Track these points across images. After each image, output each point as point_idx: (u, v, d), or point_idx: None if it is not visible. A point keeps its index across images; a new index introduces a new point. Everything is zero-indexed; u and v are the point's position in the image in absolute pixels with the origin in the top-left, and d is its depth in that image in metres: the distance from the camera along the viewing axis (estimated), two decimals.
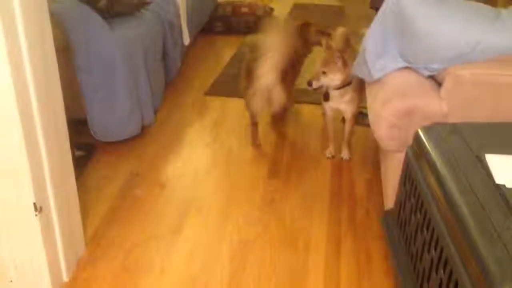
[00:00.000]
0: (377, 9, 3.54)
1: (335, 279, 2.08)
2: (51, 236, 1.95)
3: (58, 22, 2.53)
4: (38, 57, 1.75)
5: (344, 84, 2.70)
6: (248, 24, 4.74)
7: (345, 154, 2.90)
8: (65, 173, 2.03)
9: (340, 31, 2.83)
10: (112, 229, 2.35)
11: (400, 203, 1.83)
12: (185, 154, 2.96)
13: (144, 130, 3.04)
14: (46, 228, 1.91)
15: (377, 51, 2.14)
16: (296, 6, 5.56)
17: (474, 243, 1.25)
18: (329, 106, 2.82)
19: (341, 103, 2.77)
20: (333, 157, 2.89)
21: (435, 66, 1.94)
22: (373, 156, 2.86)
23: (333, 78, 2.67)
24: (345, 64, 2.64)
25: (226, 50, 4.39)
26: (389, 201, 2.12)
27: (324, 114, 2.91)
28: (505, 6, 2.24)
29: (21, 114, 1.69)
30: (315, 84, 2.68)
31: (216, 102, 3.54)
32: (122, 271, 2.11)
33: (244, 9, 4.81)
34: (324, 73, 2.66)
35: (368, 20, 4.07)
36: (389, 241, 1.89)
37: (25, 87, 1.71)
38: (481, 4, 2.03)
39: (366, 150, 2.98)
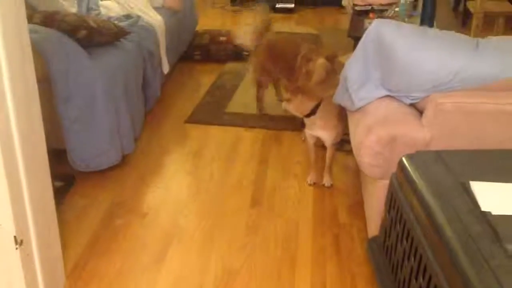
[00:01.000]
0: (354, 38, 3.63)
1: None
2: (31, 270, 1.90)
3: (38, 52, 2.51)
4: (19, 87, 1.73)
5: (307, 114, 2.74)
6: (226, 52, 4.77)
7: (327, 181, 2.91)
8: (46, 205, 2.00)
9: (320, 62, 2.86)
10: (93, 260, 2.31)
11: (385, 230, 1.84)
12: (166, 183, 2.94)
13: (124, 159, 3.01)
14: (27, 262, 1.86)
15: (359, 80, 2.17)
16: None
17: (462, 270, 1.27)
18: (309, 133, 2.84)
19: (318, 130, 2.81)
20: (314, 183, 2.90)
21: (416, 94, 1.98)
22: (354, 182, 2.88)
23: (288, 105, 2.77)
24: (293, 93, 2.71)
25: (205, 78, 4.41)
26: (373, 228, 2.13)
27: (305, 141, 2.93)
28: (478, 35, 2.30)
29: (2, 147, 1.66)
30: (283, 105, 2.82)
31: (196, 130, 3.54)
32: None
33: (222, 38, 4.84)
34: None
35: (345, 49, 4.16)
36: (375, 268, 1.89)
37: (7, 119, 1.69)
38: (460, 34, 2.09)
39: (347, 177, 3.00)
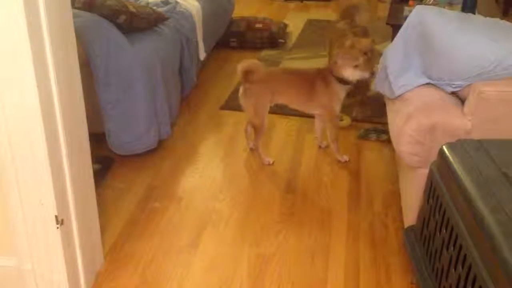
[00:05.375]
0: (393, 26, 3.58)
1: None
2: (71, 249, 1.95)
3: (78, 37, 2.55)
4: (63, 71, 1.76)
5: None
6: (262, 40, 4.76)
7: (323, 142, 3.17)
8: (86, 186, 2.04)
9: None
10: (130, 242, 2.35)
11: (423, 219, 1.81)
12: (202, 168, 2.96)
13: (160, 144, 3.05)
14: (67, 241, 1.91)
15: (400, 67, 2.14)
16: (310, 22, 5.58)
17: (504, 260, 1.24)
18: None
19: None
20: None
21: (459, 82, 1.94)
22: (389, 171, 2.85)
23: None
24: None
25: None
26: (409, 216, 2.11)
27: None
28: None
29: (46, 128, 1.70)
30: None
31: (231, 117, 3.55)
32: (140, 285, 2.11)
33: (258, 25, 4.82)
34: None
35: (381, 36, 4.09)
36: (412, 258, 1.87)
37: (50, 101, 1.72)
38: (505, 22, 2.03)
39: (382, 166, 2.97)
